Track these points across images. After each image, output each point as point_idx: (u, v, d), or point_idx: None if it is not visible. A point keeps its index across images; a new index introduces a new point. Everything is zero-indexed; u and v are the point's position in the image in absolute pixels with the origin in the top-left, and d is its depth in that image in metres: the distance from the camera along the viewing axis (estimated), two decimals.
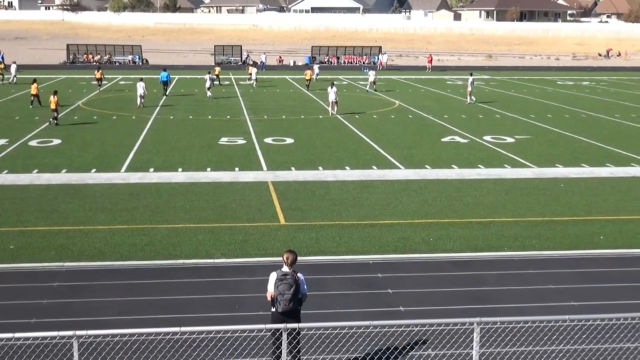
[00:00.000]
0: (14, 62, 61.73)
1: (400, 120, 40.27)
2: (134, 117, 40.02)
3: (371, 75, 58.19)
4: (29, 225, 19.46)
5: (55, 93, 37.57)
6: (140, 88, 44.36)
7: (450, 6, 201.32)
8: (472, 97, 49.24)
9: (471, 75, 52.64)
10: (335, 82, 48.65)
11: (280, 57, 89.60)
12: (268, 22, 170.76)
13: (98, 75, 54.16)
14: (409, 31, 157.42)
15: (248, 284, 15.38)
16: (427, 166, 27.71)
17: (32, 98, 42.88)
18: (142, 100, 44.50)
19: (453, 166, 27.74)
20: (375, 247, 18.02)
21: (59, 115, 37.52)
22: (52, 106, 36.88)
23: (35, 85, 42.71)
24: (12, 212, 20.74)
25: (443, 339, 12.31)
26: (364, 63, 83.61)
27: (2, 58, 77.32)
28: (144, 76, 50.36)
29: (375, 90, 56.50)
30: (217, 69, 61.85)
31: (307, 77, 57.56)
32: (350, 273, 16.19)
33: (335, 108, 41.95)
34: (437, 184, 24.92)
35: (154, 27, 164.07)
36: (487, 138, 34.37)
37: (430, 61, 79.77)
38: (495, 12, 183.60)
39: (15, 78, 58.91)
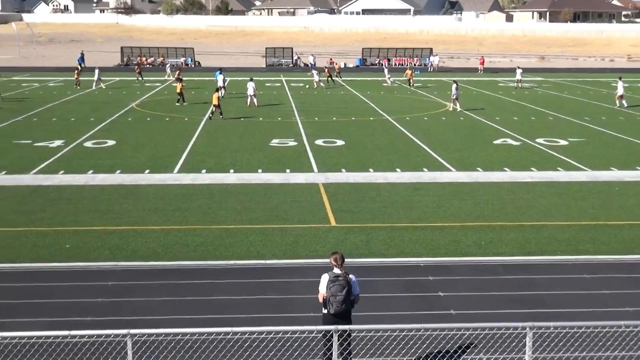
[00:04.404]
0: (97, 68, 61.12)
1: (451, 123, 40.03)
2: (186, 119, 40.43)
3: (385, 72, 59.09)
4: (84, 225, 19.80)
5: (217, 90, 41.76)
6: (250, 88, 45.51)
7: (502, 7, 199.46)
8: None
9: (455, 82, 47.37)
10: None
11: (330, 59, 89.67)
12: (319, 24, 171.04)
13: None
14: (460, 33, 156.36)
15: (299, 285, 15.44)
16: (478, 169, 27.50)
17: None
18: (252, 100, 45.49)
19: (505, 169, 27.48)
20: (426, 249, 17.94)
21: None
22: (215, 102, 40.27)
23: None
24: (67, 212, 21.12)
25: (495, 344, 12.20)
26: (413, 64, 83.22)
27: (82, 60, 78.07)
28: (252, 77, 50.97)
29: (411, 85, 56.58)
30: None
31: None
32: (401, 275, 16.15)
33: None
34: (489, 187, 24.72)
35: (206, 29, 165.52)
36: (540, 140, 33.97)
37: (482, 63, 79.14)
38: (548, 13, 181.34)
39: (99, 82, 58.12)
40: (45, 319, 13.57)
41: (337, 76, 66.23)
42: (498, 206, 22.11)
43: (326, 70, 63.87)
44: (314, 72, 62.54)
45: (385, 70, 66.29)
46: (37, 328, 12.79)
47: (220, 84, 50.64)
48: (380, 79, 67.56)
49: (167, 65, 73.33)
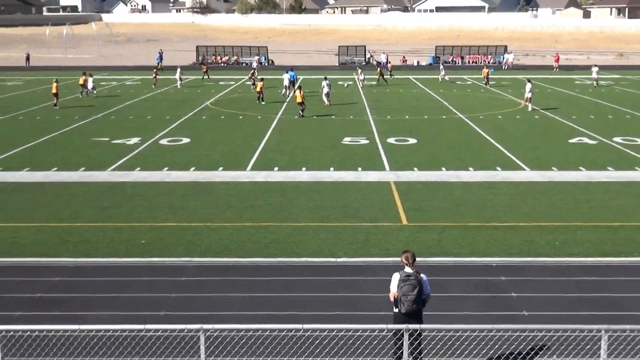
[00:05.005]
0: (179, 67, 61.87)
1: (525, 121, 39.45)
2: (259, 117, 40.80)
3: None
4: (159, 221, 20.19)
5: (300, 88, 42.50)
6: (326, 87, 45.68)
7: (579, 4, 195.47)
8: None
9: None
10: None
11: (404, 57, 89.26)
12: (392, 22, 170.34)
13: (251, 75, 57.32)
14: (536, 30, 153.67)
15: (370, 283, 15.46)
16: (553, 168, 27.05)
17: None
18: (325, 98, 45.72)
19: (580, 168, 26.97)
20: (499, 249, 17.75)
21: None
22: (299, 99, 40.51)
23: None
24: (143, 209, 21.57)
25: (569, 346, 12.01)
26: (488, 62, 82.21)
27: (161, 58, 79.19)
28: (326, 76, 51.29)
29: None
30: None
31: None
32: (473, 275, 16.02)
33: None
34: (564, 186, 24.30)
35: (280, 28, 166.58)
36: (617, 139, 33.22)
37: (557, 60, 77.65)
38: (627, 9, 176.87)
39: (180, 80, 58.55)
40: (120, 313, 13.90)
41: (389, 74, 65.92)
42: (573, 206, 21.72)
43: (378, 69, 63.42)
44: (359, 70, 62.42)
45: (441, 66, 66.13)
46: (113, 321, 13.13)
47: (285, 83, 50.94)
48: (454, 76, 67.01)
49: (254, 64, 73.70)
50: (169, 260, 17.03)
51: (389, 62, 71.98)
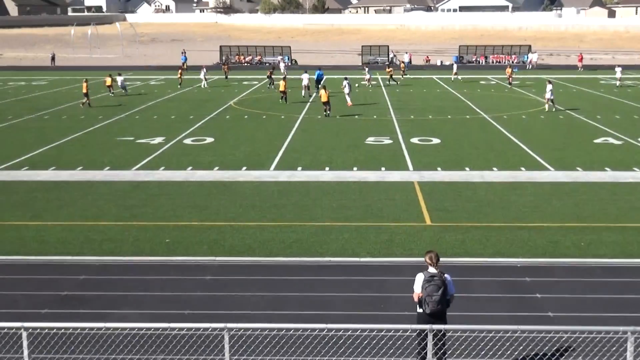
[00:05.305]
0: (204, 67, 61.93)
1: (550, 121, 39.22)
2: (282, 117, 40.87)
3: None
4: (183, 221, 20.29)
5: (325, 88, 41.66)
6: (347, 87, 45.59)
7: (604, 3, 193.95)
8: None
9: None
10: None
11: (427, 56, 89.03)
12: (415, 21, 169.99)
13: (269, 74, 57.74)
14: (560, 29, 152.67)
15: (393, 283, 15.44)
16: (578, 168, 26.87)
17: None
18: (347, 98, 45.55)
19: (606, 168, 26.76)
20: (523, 250, 17.66)
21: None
22: (324, 99, 40.51)
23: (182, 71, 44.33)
24: (167, 208, 21.68)
25: (594, 347, 11.93)
26: (512, 62, 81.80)
27: (185, 59, 79.39)
28: (346, 76, 51.26)
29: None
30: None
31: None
32: (497, 276, 15.96)
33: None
34: (589, 187, 24.13)
35: (303, 28, 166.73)
36: None
37: (580, 60, 77.05)
38: None
39: (205, 83, 58.53)
40: (145, 311, 13.98)
41: (401, 75, 65.94)
42: (598, 207, 21.56)
43: (388, 69, 63.14)
44: (366, 69, 62.21)
45: (454, 67, 66.04)
46: (138, 320, 13.21)
47: (304, 82, 50.67)
48: (478, 76, 66.75)
49: (281, 63, 73.55)
50: (193, 259, 17.10)
51: (402, 63, 71.72)
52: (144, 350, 12.08)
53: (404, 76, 65.55)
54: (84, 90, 45.24)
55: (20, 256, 17.38)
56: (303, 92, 50.47)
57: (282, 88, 47.49)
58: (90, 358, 12.00)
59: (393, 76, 61.84)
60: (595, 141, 32.72)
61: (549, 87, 43.01)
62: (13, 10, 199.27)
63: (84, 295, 15.01)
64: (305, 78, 50.63)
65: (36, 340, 11.45)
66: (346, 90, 45.57)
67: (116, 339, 12.33)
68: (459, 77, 63.45)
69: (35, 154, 30.08)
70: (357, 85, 58.08)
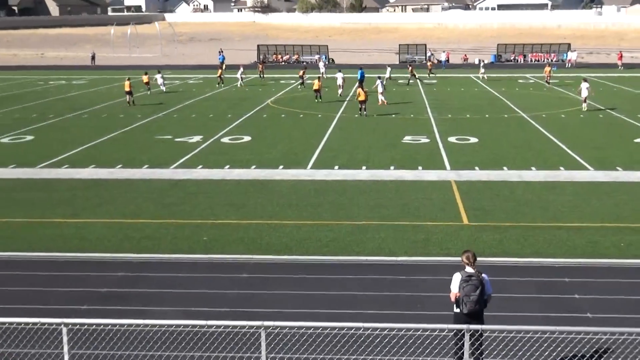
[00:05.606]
0: (241, 66, 62.00)
1: (589, 120, 38.78)
2: (319, 116, 40.90)
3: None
4: (220, 219, 20.41)
5: (362, 86, 42.04)
6: (380, 86, 45.60)
7: None
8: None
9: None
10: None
11: (465, 55, 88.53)
12: (453, 20, 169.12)
13: (301, 73, 57.42)
14: (600, 27, 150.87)
15: (430, 283, 15.39)
16: (618, 168, 26.55)
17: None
18: (380, 97, 45.52)
19: None
20: (562, 250, 17.50)
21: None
22: (362, 97, 40.63)
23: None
24: (205, 206, 21.83)
25: (634, 349, 11.79)
26: (551, 61, 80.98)
27: (223, 58, 79.43)
28: (379, 75, 51.23)
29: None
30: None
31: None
32: (535, 276, 15.83)
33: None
34: (630, 187, 23.83)
35: (340, 26, 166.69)
36: None
37: (620, 58, 75.98)
38: None
39: (242, 82, 58.70)
40: (182, 309, 14.10)
41: (430, 73, 65.87)
42: (639, 207, 21.28)
43: (409, 67, 62.77)
44: (388, 69, 62.31)
45: (481, 65, 66.08)
46: (175, 317, 13.34)
47: (339, 82, 50.20)
48: (516, 75, 66.24)
49: (320, 63, 73.06)
50: (231, 258, 17.20)
51: (430, 61, 71.46)
52: (181, 347, 12.19)
53: (430, 74, 65.58)
54: (128, 89, 45.65)
55: (61, 253, 17.63)
56: (340, 91, 50.35)
57: (316, 87, 47.37)
58: (129, 354, 12.14)
59: (416, 75, 61.70)
60: (636, 140, 32.29)
61: (585, 85, 42.29)
62: (54, 10, 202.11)
63: (122, 292, 15.18)
64: (339, 77, 50.53)
65: (76, 336, 11.59)
66: (379, 89, 45.46)
67: (154, 335, 12.44)
68: (485, 76, 62.71)
69: (75, 152, 30.47)
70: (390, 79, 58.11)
